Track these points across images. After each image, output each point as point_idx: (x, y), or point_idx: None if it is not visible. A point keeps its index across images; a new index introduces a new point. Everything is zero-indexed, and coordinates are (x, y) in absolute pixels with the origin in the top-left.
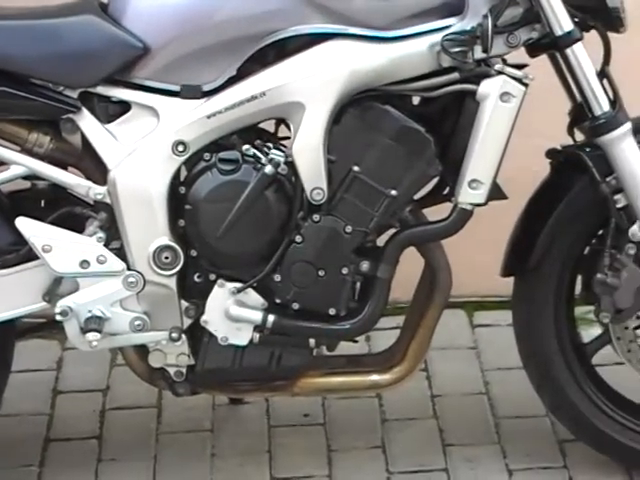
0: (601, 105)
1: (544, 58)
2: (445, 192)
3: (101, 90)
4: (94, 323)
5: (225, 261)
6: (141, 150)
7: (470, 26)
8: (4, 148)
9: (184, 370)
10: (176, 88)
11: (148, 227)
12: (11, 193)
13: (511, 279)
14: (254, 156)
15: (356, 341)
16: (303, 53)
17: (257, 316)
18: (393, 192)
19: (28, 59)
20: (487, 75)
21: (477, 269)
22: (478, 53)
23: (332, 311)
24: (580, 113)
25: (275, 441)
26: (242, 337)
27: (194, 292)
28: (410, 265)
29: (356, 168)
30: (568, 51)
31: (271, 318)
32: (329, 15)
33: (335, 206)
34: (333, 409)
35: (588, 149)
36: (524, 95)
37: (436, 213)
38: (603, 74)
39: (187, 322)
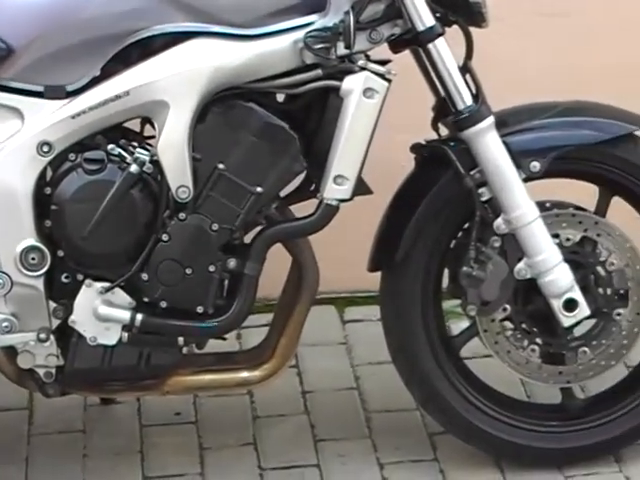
0: (464, 99)
1: (408, 53)
2: (311, 188)
3: None
4: None
5: (92, 261)
6: (6, 151)
7: (332, 23)
8: None
9: (53, 371)
10: (40, 89)
11: (14, 228)
12: None
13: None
14: (119, 155)
15: (225, 338)
16: (166, 52)
17: (125, 315)
18: (259, 189)
19: None
20: (350, 71)
21: (347, 265)
22: (341, 49)
23: (200, 309)
24: (444, 108)
25: (147, 440)
26: (111, 337)
27: (62, 293)
28: (280, 262)
29: (221, 166)
30: (430, 46)
31: (139, 317)
32: (192, 13)
33: (201, 204)
34: (205, 407)
35: (452, 143)
36: (387, 90)
37: (306, 209)
38: (466, 69)
39: (55, 323)
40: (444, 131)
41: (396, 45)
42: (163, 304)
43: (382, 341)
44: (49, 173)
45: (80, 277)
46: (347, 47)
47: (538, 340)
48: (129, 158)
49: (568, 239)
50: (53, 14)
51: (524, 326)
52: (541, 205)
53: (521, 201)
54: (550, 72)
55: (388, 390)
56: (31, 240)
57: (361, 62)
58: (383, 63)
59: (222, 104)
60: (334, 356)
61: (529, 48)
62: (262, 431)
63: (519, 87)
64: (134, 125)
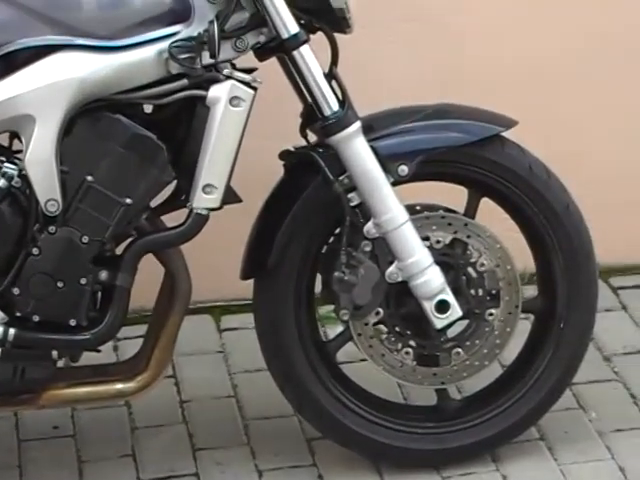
0: (330, 105)
1: (275, 60)
2: (182, 198)
3: None
4: None
5: None
6: None
7: (197, 32)
8: None
9: None
10: None
11: None
12: None
13: None
14: None
15: (99, 351)
16: (31, 66)
17: None
18: (128, 200)
19: None
20: (216, 80)
21: (222, 273)
22: (206, 59)
23: (73, 322)
24: (311, 114)
25: (25, 455)
26: None
27: None
28: (156, 272)
29: (90, 178)
30: (295, 53)
31: (12, 332)
32: (55, 26)
33: (71, 217)
34: (83, 420)
35: (320, 149)
36: (253, 98)
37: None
38: (331, 75)
39: None
40: (313, 137)
41: (262, 53)
42: (36, 318)
43: (258, 348)
44: None
45: None
46: (212, 56)
47: (412, 342)
48: None
49: (438, 241)
50: None
51: (397, 329)
52: (411, 208)
53: (390, 205)
54: (415, 76)
55: (265, 397)
56: None
57: (226, 71)
58: (249, 71)
59: (88, 116)
60: (211, 365)
61: (394, 53)
62: (141, 442)
63: (385, 92)
64: (2, 139)
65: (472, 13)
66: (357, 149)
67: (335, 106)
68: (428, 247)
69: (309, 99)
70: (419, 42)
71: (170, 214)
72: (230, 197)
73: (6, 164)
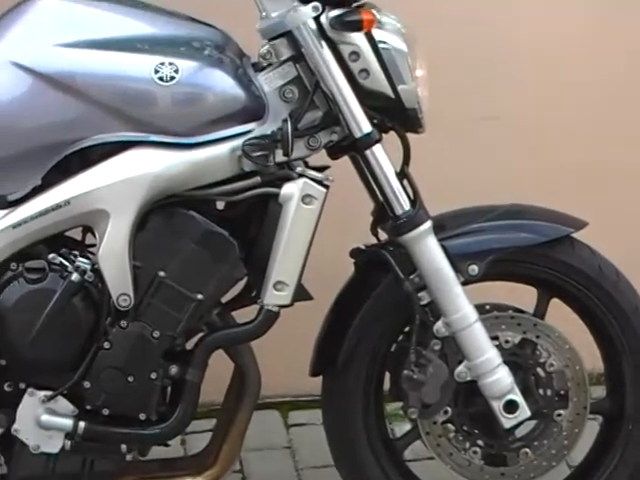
0: (402, 205)
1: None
2: (252, 294)
3: None
4: None
5: (34, 370)
6: None
7: (270, 130)
8: None
9: None
10: None
11: None
12: None
13: None
14: (60, 264)
15: (168, 445)
16: (106, 161)
17: (68, 423)
18: (199, 296)
19: None
20: (289, 178)
21: (290, 369)
22: (279, 157)
23: (142, 416)
24: (382, 212)
25: None
26: (54, 445)
27: (5, 401)
28: (225, 367)
29: (162, 273)
30: (367, 153)
31: (82, 425)
32: (130, 123)
33: (142, 312)
34: None
35: (391, 248)
36: (325, 196)
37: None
38: (403, 174)
39: None
40: (383, 236)
41: (334, 151)
42: (105, 411)
43: (326, 445)
44: None
45: (22, 385)
46: (285, 154)
47: (480, 442)
48: (70, 267)
49: (507, 341)
50: None
51: (465, 428)
52: (480, 307)
53: (460, 304)
54: (486, 176)
55: None
56: None
57: (299, 169)
58: (321, 169)
59: (162, 212)
60: (278, 460)
61: (465, 152)
62: None
63: (456, 191)
64: (75, 233)
65: (545, 115)
66: (428, 248)
67: (406, 205)
68: (497, 347)
69: (380, 198)
70: (490, 142)
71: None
72: (301, 294)
73: (79, 258)
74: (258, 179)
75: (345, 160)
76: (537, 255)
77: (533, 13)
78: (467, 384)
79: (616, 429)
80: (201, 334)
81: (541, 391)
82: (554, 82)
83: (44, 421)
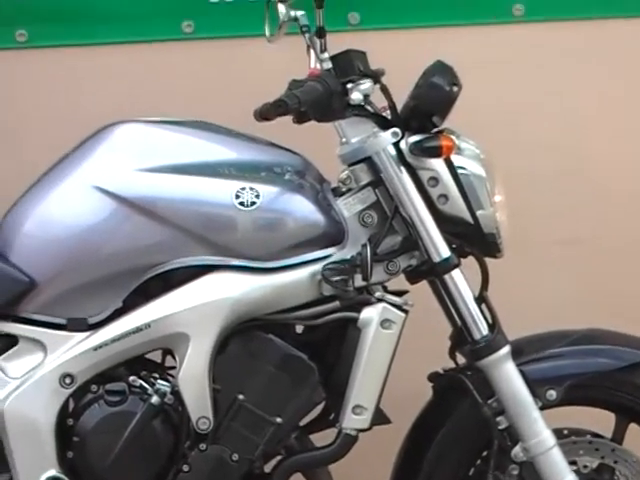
0: (480, 329)
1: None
2: (330, 417)
3: None
4: None
5: None
6: (29, 383)
7: (350, 255)
8: None
9: None
10: (62, 321)
11: (37, 459)
12: None
13: None
14: (140, 387)
15: None
16: (187, 286)
17: None
18: (278, 420)
19: None
20: (368, 303)
21: None
22: (358, 281)
23: None
24: (460, 337)
25: None
26: None
27: None
28: None
29: (241, 397)
30: (446, 277)
31: None
32: (211, 247)
33: (221, 435)
34: None
35: (469, 372)
36: (404, 321)
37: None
38: (481, 298)
39: None
40: (461, 359)
41: (413, 275)
42: None
43: None
44: (71, 404)
45: None
46: (364, 279)
47: None
48: (150, 389)
49: (585, 466)
50: (74, 249)
51: None
52: (558, 432)
53: (538, 429)
54: (564, 299)
55: None
56: (53, 471)
57: (378, 293)
58: (400, 294)
59: (242, 335)
60: None
61: (542, 276)
62: None
63: (534, 315)
64: (155, 355)
65: (625, 238)
66: (506, 373)
67: (485, 330)
68: (575, 471)
69: (459, 322)
70: (569, 265)
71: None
72: (379, 418)
73: (159, 381)
74: (337, 303)
75: (423, 283)
76: (615, 380)
77: (612, 136)
78: None
79: None
80: (279, 457)
81: None
82: (634, 206)
83: None
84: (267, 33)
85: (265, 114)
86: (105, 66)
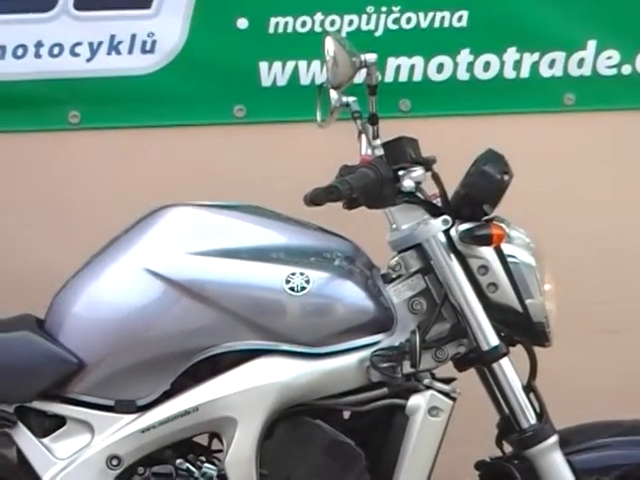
0: (528, 418)
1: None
2: None
3: (37, 405)
4: None
5: None
6: (76, 464)
7: (399, 342)
8: None
9: None
10: (111, 403)
11: None
12: None
13: None
14: (187, 470)
15: None
16: (235, 369)
17: None
18: None
19: None
20: (416, 390)
21: None
22: (407, 368)
23: None
24: (508, 425)
25: None
26: None
27: None
28: None
29: None
30: (495, 366)
31: None
32: (260, 332)
33: None
34: None
35: (516, 461)
36: (452, 409)
37: None
38: (529, 387)
39: None
40: (508, 448)
41: (461, 363)
42: None
43: None
44: None
45: None
46: (413, 366)
47: None
48: (197, 473)
49: None
50: (124, 331)
51: None
52: None
53: None
54: (612, 388)
55: None
56: None
57: (426, 381)
58: (448, 381)
59: (289, 420)
60: None
61: (589, 364)
62: None
63: (581, 404)
64: (202, 439)
65: None
66: (554, 463)
67: (533, 419)
68: None
69: (506, 410)
70: (616, 355)
71: None
72: None
73: (206, 464)
74: (385, 390)
75: (471, 370)
76: None
77: None
78: None
79: None
80: None
81: None
82: None
83: None
84: (318, 118)
85: (316, 199)
86: (156, 148)
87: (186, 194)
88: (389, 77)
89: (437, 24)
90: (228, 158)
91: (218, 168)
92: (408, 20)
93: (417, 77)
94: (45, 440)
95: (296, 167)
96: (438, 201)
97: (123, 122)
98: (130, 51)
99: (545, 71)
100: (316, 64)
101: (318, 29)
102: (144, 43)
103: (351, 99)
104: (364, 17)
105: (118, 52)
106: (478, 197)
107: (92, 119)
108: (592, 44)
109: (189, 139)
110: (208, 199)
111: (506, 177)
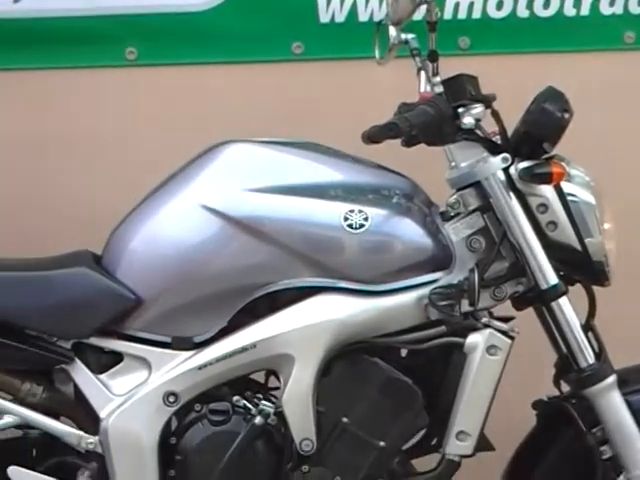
0: (586, 357)
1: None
2: (432, 442)
3: (94, 341)
4: None
5: None
6: (133, 401)
7: (457, 280)
8: None
9: None
10: (168, 339)
11: (139, 477)
12: (3, 441)
13: None
14: (244, 407)
15: None
16: (293, 307)
17: None
18: (382, 443)
19: (23, 310)
20: (474, 328)
21: None
22: (465, 306)
23: None
24: (566, 365)
25: None
26: None
27: None
28: None
29: (345, 419)
30: (553, 304)
31: None
32: (319, 269)
33: (324, 457)
34: None
35: (574, 400)
36: (510, 347)
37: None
38: (588, 326)
39: None
40: (566, 388)
41: (519, 302)
42: None
43: None
44: (174, 423)
45: None
46: (471, 304)
47: None
48: (254, 410)
49: None
50: (181, 267)
51: None
52: None
53: None
54: None
55: None
56: None
57: (485, 319)
58: (506, 320)
59: (347, 358)
60: None
61: None
62: None
63: None
64: (258, 376)
65: None
66: (612, 402)
67: (591, 358)
68: None
69: (564, 350)
70: None
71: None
72: (483, 444)
73: (263, 402)
74: (443, 328)
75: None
76: None
77: None
78: None
79: None
80: None
81: None
82: None
83: None
84: (377, 55)
85: (374, 137)
86: (213, 86)
87: (243, 132)
88: (448, 14)
89: None
90: (286, 95)
91: (276, 105)
92: None
93: (476, 14)
94: (102, 376)
95: (354, 105)
96: (497, 139)
97: (179, 59)
98: None
99: (605, 9)
100: (375, 0)
101: None
102: None
103: (410, 36)
104: None
105: None
106: (538, 135)
107: (149, 56)
108: None
109: (246, 76)
110: (266, 136)
111: (566, 115)
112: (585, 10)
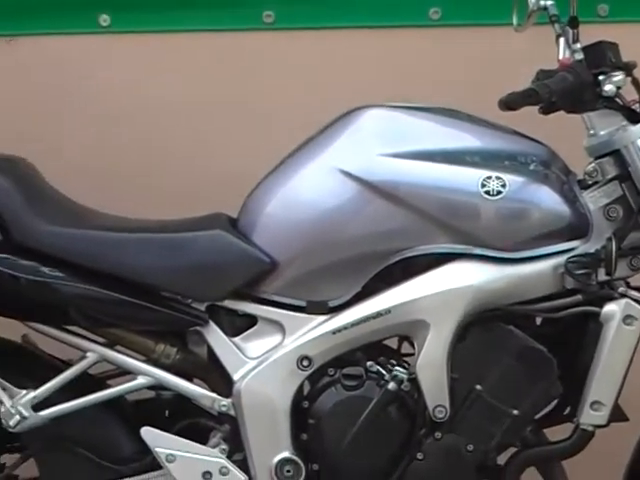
0: None
1: None
2: (565, 412)
3: (228, 304)
4: None
5: (347, 476)
6: (266, 364)
7: (594, 249)
8: (131, 359)
9: None
10: (302, 303)
11: (271, 440)
12: (136, 402)
13: None
14: (378, 372)
15: None
16: (428, 273)
17: None
18: (515, 412)
19: (158, 271)
20: (610, 298)
21: None
22: (602, 275)
23: None
24: None
25: None
26: None
27: None
28: None
29: (479, 387)
30: None
31: None
32: (455, 235)
33: (457, 424)
34: None
35: None
36: None
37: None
38: None
39: None
40: None
41: None
42: None
43: None
44: (307, 387)
45: None
46: (608, 274)
47: None
48: (387, 375)
49: None
50: (317, 232)
51: None
52: None
53: None
54: None
55: None
56: (287, 453)
57: (621, 289)
58: None
59: (482, 325)
60: None
61: None
62: None
63: None
64: (391, 342)
65: None
66: None
67: None
68: None
69: None
70: None
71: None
72: (617, 415)
73: (396, 367)
74: (579, 297)
75: None
76: None
77: None
78: None
79: None
80: (514, 450)
81: None
82: None
83: None
84: (515, 22)
85: (512, 104)
86: (353, 50)
87: (380, 96)
88: None
89: None
90: (423, 60)
91: (414, 70)
92: None
93: None
94: (236, 339)
95: (492, 71)
96: (637, 107)
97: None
98: None
99: None
100: None
101: None
102: None
103: (549, 2)
104: None
105: None
106: None
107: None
108: None
109: (387, 41)
110: (401, 101)
111: None
112: None
